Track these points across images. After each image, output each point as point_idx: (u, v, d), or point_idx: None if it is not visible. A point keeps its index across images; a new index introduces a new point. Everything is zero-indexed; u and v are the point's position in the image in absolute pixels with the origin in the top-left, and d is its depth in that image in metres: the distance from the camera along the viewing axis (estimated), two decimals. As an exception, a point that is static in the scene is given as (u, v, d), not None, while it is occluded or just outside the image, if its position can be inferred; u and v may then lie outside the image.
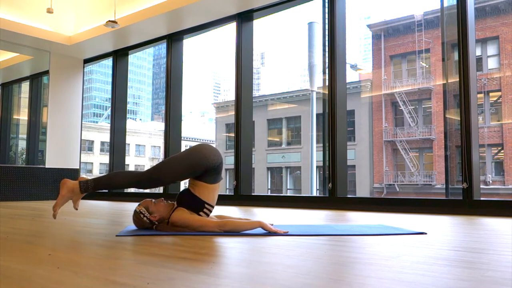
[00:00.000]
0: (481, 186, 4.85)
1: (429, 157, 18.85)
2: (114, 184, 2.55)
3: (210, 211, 2.54)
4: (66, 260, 1.66)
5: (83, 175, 2.54)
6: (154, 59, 75.33)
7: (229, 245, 2.07)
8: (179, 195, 2.53)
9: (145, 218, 2.46)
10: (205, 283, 1.27)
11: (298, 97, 22.15)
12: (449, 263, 1.61)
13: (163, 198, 2.55)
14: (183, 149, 7.51)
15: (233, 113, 6.04)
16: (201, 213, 2.48)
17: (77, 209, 2.61)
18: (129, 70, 8.14)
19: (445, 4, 7.14)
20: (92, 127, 33.75)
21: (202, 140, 40.28)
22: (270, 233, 2.38)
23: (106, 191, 7.50)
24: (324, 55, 5.33)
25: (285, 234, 2.37)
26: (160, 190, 6.99)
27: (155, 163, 35.23)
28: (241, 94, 5.90)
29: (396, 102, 19.31)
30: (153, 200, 2.51)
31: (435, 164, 18.26)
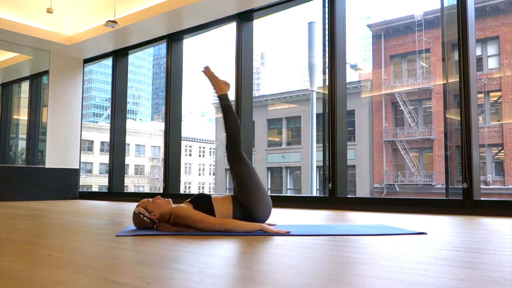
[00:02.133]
0: (481, 186, 4.84)
1: (429, 157, 18.85)
2: (230, 120, 2.79)
3: None
4: (66, 260, 1.66)
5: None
6: (154, 59, 75.32)
7: (229, 245, 2.07)
8: (197, 197, 2.55)
9: (145, 218, 2.46)
10: (205, 283, 1.27)
11: (298, 97, 22.14)
12: (449, 263, 1.61)
13: (159, 196, 2.55)
14: (183, 149, 7.49)
15: (233, 113, 6.03)
16: None
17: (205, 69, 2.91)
18: (129, 70, 8.14)
19: (445, 4, 7.13)
20: (92, 127, 33.74)
21: (202, 140, 40.25)
22: (271, 233, 2.37)
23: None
24: (324, 55, 5.33)
25: (287, 234, 2.36)
26: (160, 189, 7.00)
27: (155, 163, 35.22)
28: (241, 94, 5.90)
29: (396, 102, 19.30)
30: (150, 199, 2.51)
31: (435, 164, 18.26)
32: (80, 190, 7.90)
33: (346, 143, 5.16)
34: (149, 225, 2.47)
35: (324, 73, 5.34)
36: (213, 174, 35.60)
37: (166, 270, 1.44)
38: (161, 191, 6.81)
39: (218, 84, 2.85)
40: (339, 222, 3.42)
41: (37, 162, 7.96)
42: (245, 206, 2.50)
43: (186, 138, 37.57)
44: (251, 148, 6.24)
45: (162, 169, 7.84)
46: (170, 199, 2.54)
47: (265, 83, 67.40)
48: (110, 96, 7.94)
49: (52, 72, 7.60)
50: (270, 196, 2.74)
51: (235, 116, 2.83)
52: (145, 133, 37.34)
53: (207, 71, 2.90)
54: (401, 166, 19.27)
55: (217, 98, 2.90)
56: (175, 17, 6.13)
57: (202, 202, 2.49)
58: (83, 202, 6.71)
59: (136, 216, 2.49)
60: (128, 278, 1.32)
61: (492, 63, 17.31)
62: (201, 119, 61.03)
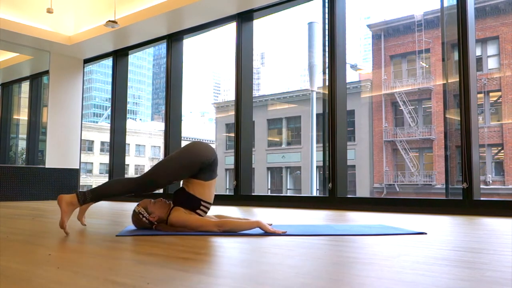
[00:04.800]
0: (481, 186, 4.85)
1: (429, 157, 18.85)
2: (112, 192, 2.49)
3: (208, 208, 2.52)
4: (66, 260, 1.66)
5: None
6: (154, 59, 75.32)
7: (228, 245, 2.06)
8: (174, 195, 2.51)
9: (144, 219, 2.45)
10: (205, 283, 1.27)
11: (298, 97, 22.14)
12: (449, 263, 1.61)
13: (161, 198, 2.54)
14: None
15: (233, 113, 6.03)
16: (198, 211, 2.46)
17: (85, 225, 2.68)
18: (129, 70, 8.13)
19: (445, 4, 7.13)
20: (92, 127, 33.74)
21: (202, 140, 40.29)
22: (268, 233, 2.38)
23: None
24: (324, 55, 5.33)
25: (283, 234, 2.36)
26: (160, 190, 6.99)
27: (155, 163, 35.22)
28: (241, 94, 5.90)
29: (396, 102, 19.30)
30: (152, 200, 2.50)
31: (435, 164, 18.26)
32: (80, 190, 7.90)
33: (346, 143, 5.16)
34: (147, 225, 2.46)
35: (324, 73, 5.34)
36: (213, 174, 35.42)
37: (166, 270, 1.44)
38: (161, 191, 6.81)
39: (69, 208, 2.40)
40: (339, 222, 3.42)
41: (37, 162, 7.96)
42: (197, 170, 2.44)
43: (186, 138, 37.57)
44: (251, 148, 6.24)
45: (162, 169, 7.81)
46: (171, 202, 2.52)
47: (265, 83, 67.40)
48: (110, 96, 7.94)
49: (52, 72, 7.60)
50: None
51: (107, 186, 2.51)
52: (145, 133, 37.33)
53: (63, 225, 2.37)
54: (401, 166, 19.27)
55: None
56: (175, 17, 6.13)
57: (184, 199, 2.45)
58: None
59: (136, 215, 2.48)
60: (128, 278, 1.32)
61: (492, 63, 17.32)
62: (201, 119, 61.03)
